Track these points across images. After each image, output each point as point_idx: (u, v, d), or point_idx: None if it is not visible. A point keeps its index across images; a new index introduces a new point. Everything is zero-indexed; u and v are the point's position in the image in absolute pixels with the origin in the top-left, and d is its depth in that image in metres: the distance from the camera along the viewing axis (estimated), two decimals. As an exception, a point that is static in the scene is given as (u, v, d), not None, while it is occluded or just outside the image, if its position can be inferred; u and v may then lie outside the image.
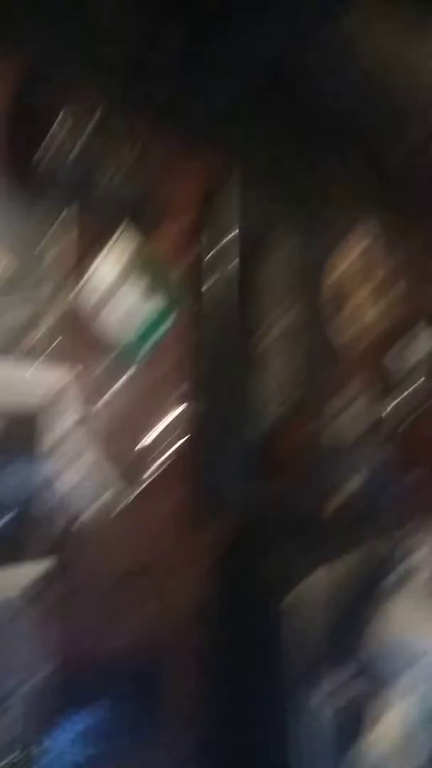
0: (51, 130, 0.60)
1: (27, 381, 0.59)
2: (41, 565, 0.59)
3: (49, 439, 0.61)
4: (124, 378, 0.71)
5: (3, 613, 0.55)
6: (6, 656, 0.55)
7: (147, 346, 0.72)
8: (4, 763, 0.53)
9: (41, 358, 0.60)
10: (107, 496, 0.67)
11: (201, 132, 0.80)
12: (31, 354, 0.59)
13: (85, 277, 0.67)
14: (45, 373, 0.61)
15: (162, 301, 0.73)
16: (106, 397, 0.69)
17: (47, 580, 0.59)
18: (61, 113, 0.60)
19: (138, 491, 0.70)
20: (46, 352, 0.60)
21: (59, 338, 0.62)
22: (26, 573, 0.58)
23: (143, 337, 0.72)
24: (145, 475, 0.72)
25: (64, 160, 0.61)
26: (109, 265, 0.67)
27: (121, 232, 0.69)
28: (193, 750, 0.76)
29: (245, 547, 0.80)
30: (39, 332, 0.60)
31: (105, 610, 0.68)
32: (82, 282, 0.66)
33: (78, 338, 0.65)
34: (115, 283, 0.68)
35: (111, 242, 0.68)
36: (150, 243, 0.72)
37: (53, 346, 0.61)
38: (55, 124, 0.60)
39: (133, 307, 0.70)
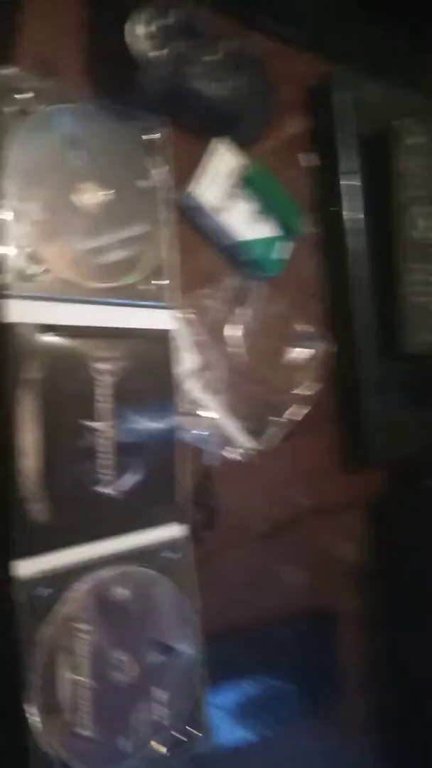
0: (134, 38, 0.52)
1: (140, 323, 0.54)
2: (177, 527, 0.54)
3: (172, 385, 0.55)
4: (248, 312, 0.63)
5: (139, 582, 0.51)
6: (146, 630, 0.51)
7: (267, 275, 0.64)
8: (154, 747, 0.49)
9: (150, 297, 0.54)
10: (243, 444, 0.61)
11: (300, 29, 0.69)
12: (139, 293, 0.53)
13: (187, 200, 0.59)
14: (158, 314, 0.55)
15: (277, 224, 0.63)
16: (229, 336, 0.62)
17: (185, 541, 0.54)
18: (144, 15, 0.52)
19: (278, 435, 0.63)
20: (154, 291, 0.54)
21: (167, 272, 0.55)
22: (161, 535, 0.53)
23: (261, 265, 0.63)
24: (286, 417, 0.64)
25: (151, 70, 0.53)
26: (211, 186, 0.59)
27: (221, 147, 0.60)
28: (366, 727, 0.70)
29: (413, 484, 0.71)
30: (145, 268, 0.54)
31: (252, 571, 0.63)
32: (184, 206, 0.59)
33: (187, 272, 0.58)
34: (220, 205, 0.60)
35: (211, 160, 0.59)
36: (255, 156, 0.62)
37: (161, 282, 0.55)
38: (138, 29, 0.52)
39: (245, 232, 0.62)
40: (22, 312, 0.47)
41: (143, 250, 0.54)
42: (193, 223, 0.61)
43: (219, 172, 0.60)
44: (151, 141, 0.56)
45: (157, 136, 0.56)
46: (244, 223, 0.61)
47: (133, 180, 0.55)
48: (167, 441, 0.55)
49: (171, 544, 0.54)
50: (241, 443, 0.61)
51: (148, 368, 0.54)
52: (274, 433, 0.63)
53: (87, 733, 0.46)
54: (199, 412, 0.59)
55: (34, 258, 0.48)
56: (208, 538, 0.58)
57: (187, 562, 0.54)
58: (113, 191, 0.53)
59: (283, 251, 0.65)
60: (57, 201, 0.50)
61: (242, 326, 0.63)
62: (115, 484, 0.51)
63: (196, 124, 0.60)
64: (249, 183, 0.61)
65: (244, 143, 0.63)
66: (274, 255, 0.64)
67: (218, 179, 0.60)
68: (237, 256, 0.63)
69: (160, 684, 0.51)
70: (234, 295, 0.62)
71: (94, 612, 0.48)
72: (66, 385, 0.49)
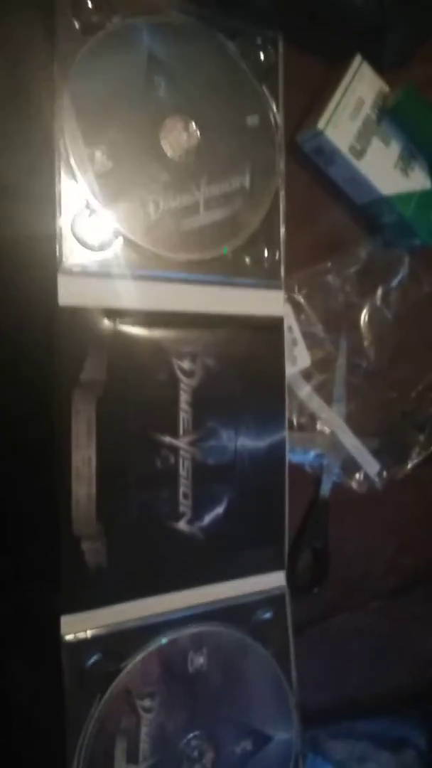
0: None
1: (239, 307, 0.41)
2: (277, 577, 0.42)
3: (280, 391, 0.42)
4: (385, 295, 0.48)
5: (222, 648, 0.40)
6: (230, 711, 0.40)
7: (415, 243, 0.47)
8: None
9: (253, 274, 0.41)
10: (371, 469, 0.47)
11: None
12: (238, 268, 0.40)
13: (309, 141, 0.45)
14: (263, 295, 0.42)
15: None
16: (358, 326, 0.47)
17: (286, 596, 0.42)
18: None
19: (419, 458, 0.48)
20: (258, 264, 0.41)
21: (276, 240, 0.41)
22: (255, 587, 0.41)
23: (410, 230, 0.47)
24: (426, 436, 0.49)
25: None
26: (345, 121, 0.44)
27: (359, 69, 0.45)
28: None
29: None
30: (246, 234, 0.40)
31: (376, 636, 0.49)
32: (304, 150, 0.45)
33: (303, 240, 0.44)
34: (356, 147, 0.45)
35: (345, 86, 0.44)
36: (403, 83, 0.45)
37: (268, 254, 0.41)
38: None
39: (389, 185, 0.45)
40: (81, 292, 0.36)
41: (245, 210, 0.41)
42: (315, 173, 0.46)
43: (357, 101, 0.44)
44: (261, 64, 0.42)
45: (269, 57, 0.42)
46: (388, 172, 0.45)
47: (236, 116, 0.41)
48: (270, 465, 0.42)
49: (268, 600, 0.41)
50: (367, 468, 0.46)
51: (248, 368, 0.42)
52: (413, 454, 0.48)
53: None
54: (314, 428, 0.46)
55: (99, 220, 0.36)
56: (318, 592, 0.44)
57: (287, 624, 0.42)
58: (209, 131, 0.40)
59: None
60: (132, 144, 0.38)
61: (375, 313, 0.47)
62: (196, 520, 0.39)
63: (323, 40, 0.45)
64: (397, 116, 0.45)
65: (387, 65, 0.47)
66: (429, 216, 0.47)
67: (355, 112, 0.44)
68: (374, 217, 0.48)
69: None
70: (366, 270, 0.47)
71: (161, 685, 0.37)
72: (137, 389, 0.38)
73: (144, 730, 0.37)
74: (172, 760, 0.37)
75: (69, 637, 0.35)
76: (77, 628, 0.35)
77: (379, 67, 0.46)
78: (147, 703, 0.37)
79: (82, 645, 0.35)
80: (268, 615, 0.41)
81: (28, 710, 0.38)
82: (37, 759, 0.38)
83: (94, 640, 0.35)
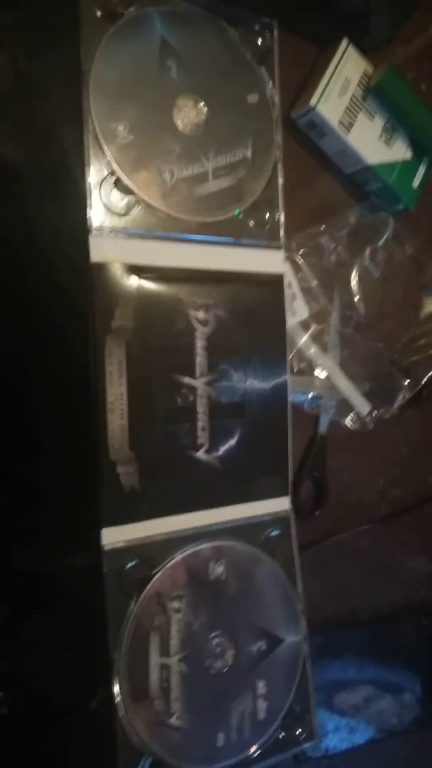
0: None
1: (246, 264, 0.46)
2: (284, 501, 0.47)
3: (282, 339, 0.47)
4: (372, 254, 0.53)
5: (238, 560, 0.45)
6: (246, 614, 0.45)
7: (397, 208, 0.53)
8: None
9: (257, 234, 0.45)
10: (362, 410, 0.52)
11: None
12: (244, 230, 0.45)
13: (303, 116, 0.50)
14: (266, 255, 0.46)
15: (412, 146, 0.52)
16: (349, 283, 0.52)
17: (292, 518, 0.47)
18: None
19: (404, 400, 0.54)
20: (261, 226, 0.46)
21: (276, 205, 0.46)
22: (265, 509, 0.47)
23: (392, 196, 0.52)
24: (413, 378, 0.54)
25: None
26: (335, 98, 0.49)
27: (347, 51, 0.50)
28: None
29: None
30: (251, 199, 0.45)
31: (367, 555, 0.54)
32: (298, 124, 0.50)
33: (299, 205, 0.49)
34: (345, 121, 0.50)
35: (334, 66, 0.49)
36: (385, 64, 0.50)
37: (270, 217, 0.46)
38: None
39: (373, 155, 0.51)
40: (110, 250, 0.41)
41: (249, 179, 0.46)
42: (308, 146, 0.51)
43: (344, 81, 0.49)
44: (258, 48, 0.47)
45: (266, 41, 0.47)
46: (373, 143, 0.51)
47: (238, 94, 0.46)
48: (275, 403, 0.47)
49: (276, 521, 0.47)
50: (359, 409, 0.52)
51: (254, 319, 0.46)
52: (398, 397, 0.53)
53: (179, 723, 0.41)
54: (311, 372, 0.51)
55: (122, 187, 0.41)
56: (319, 515, 0.50)
57: (293, 541, 0.47)
58: (215, 108, 0.45)
59: (419, 178, 0.53)
60: (149, 120, 0.43)
61: (364, 271, 0.53)
62: (212, 450, 0.45)
63: (314, 26, 0.50)
64: (379, 94, 0.50)
65: (371, 47, 0.52)
66: (410, 183, 0.53)
67: (342, 90, 0.49)
68: (362, 185, 0.53)
69: (261, 675, 0.45)
70: (355, 233, 0.52)
71: (187, 589, 0.43)
72: (159, 335, 0.43)
73: (174, 627, 0.42)
74: (198, 654, 0.43)
75: (108, 546, 0.40)
76: (115, 539, 0.40)
77: (364, 49, 0.51)
78: (176, 604, 0.42)
79: (119, 552, 0.40)
80: (276, 533, 0.46)
81: (75, 614, 0.44)
82: (85, 652, 0.43)
83: (130, 549, 0.41)
